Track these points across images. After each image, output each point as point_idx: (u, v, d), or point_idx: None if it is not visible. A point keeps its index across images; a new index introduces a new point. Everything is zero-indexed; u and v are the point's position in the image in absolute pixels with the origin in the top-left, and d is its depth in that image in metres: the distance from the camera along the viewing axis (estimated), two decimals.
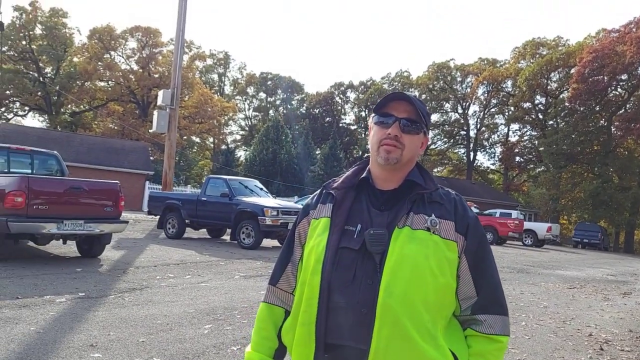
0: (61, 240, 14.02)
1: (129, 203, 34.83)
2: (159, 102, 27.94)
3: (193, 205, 21.58)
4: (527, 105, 79.27)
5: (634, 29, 57.53)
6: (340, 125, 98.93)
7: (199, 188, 24.94)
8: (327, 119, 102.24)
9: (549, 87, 74.96)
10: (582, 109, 63.11)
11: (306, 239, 2.47)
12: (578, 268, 24.35)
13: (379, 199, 2.38)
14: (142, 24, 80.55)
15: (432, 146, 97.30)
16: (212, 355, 6.81)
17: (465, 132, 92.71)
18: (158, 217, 22.88)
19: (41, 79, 76.21)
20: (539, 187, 71.97)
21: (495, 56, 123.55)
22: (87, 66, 74.00)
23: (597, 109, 62.97)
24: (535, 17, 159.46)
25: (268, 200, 21.16)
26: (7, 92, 73.68)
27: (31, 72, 75.93)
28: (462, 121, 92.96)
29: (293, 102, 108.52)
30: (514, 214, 42.94)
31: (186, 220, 21.78)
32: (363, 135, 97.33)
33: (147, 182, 46.99)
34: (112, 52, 79.33)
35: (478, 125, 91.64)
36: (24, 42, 74.90)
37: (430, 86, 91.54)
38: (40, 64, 77.25)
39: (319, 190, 2.60)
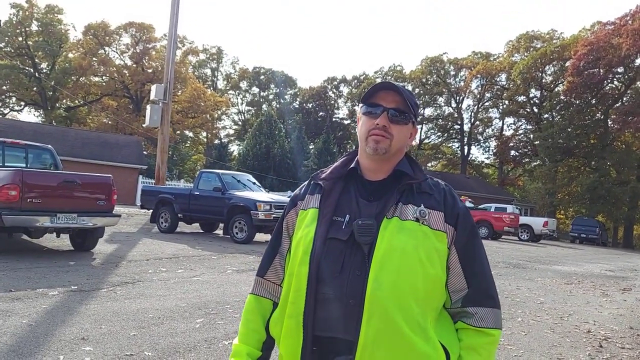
0: (54, 233, 14.04)
1: (122, 197, 34.92)
2: (152, 96, 27.88)
3: (186, 200, 21.56)
4: (521, 98, 79.34)
5: (629, 22, 57.47)
6: (334, 119, 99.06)
7: (192, 182, 24.87)
8: (321, 113, 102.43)
9: (543, 81, 74.93)
10: (577, 102, 63.22)
11: (294, 230, 2.45)
12: (576, 263, 24.34)
13: (368, 189, 2.36)
14: (136, 19, 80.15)
15: (426, 140, 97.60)
16: (204, 349, 6.79)
17: (459, 126, 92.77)
18: (151, 211, 22.84)
19: (37, 74, 76.51)
20: (534, 181, 72.12)
21: (489, 50, 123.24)
22: (81, 62, 74.20)
23: (593, 102, 63.07)
24: (529, 10, 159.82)
25: (261, 195, 21.11)
26: (4, 87, 74.52)
27: (27, 68, 76.15)
28: (455, 115, 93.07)
29: (286, 97, 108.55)
30: (510, 208, 42.93)
31: (179, 215, 21.77)
32: (356, 130, 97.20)
33: (141, 177, 46.91)
34: (107, 48, 79.43)
35: (472, 119, 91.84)
36: (20, 39, 75.41)
37: (424, 80, 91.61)
38: (36, 60, 77.58)
39: (307, 181, 2.58)
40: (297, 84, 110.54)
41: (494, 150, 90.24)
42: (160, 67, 71.80)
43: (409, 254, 2.14)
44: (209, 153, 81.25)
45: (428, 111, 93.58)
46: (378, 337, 2.08)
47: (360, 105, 2.42)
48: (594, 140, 63.77)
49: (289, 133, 73.11)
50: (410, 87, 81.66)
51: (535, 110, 78.07)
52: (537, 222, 44.75)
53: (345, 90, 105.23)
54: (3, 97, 77.94)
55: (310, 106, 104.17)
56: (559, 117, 67.53)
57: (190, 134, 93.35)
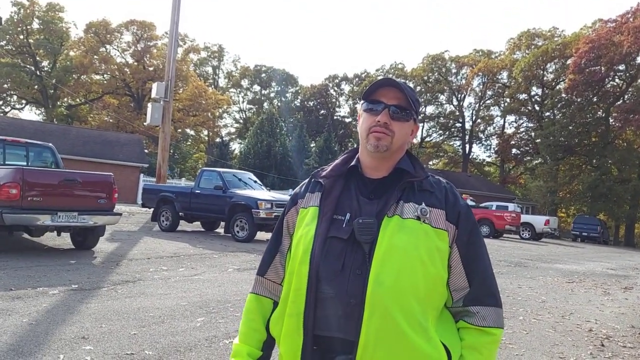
0: (55, 232, 13.99)
1: (123, 196, 34.96)
2: (153, 94, 27.89)
3: (187, 198, 21.55)
4: (523, 96, 79.17)
5: (631, 19, 57.41)
6: (335, 117, 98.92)
7: (194, 181, 24.87)
8: (322, 111, 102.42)
9: (545, 78, 74.81)
10: (579, 100, 63.11)
11: (294, 229, 2.43)
12: (577, 262, 24.30)
13: (368, 187, 2.34)
14: (137, 17, 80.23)
15: (427, 138, 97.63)
16: (204, 348, 6.78)
17: (460, 124, 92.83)
18: (152, 209, 22.83)
19: (38, 72, 76.80)
20: (536, 179, 72.00)
21: (490, 47, 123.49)
22: (83, 60, 74.21)
23: (595, 100, 62.94)
24: (530, 7, 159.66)
25: (262, 193, 21.12)
26: (5, 85, 74.67)
27: (28, 66, 76.49)
28: (457, 113, 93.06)
29: (287, 95, 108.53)
30: (511, 206, 42.81)
31: (180, 213, 21.74)
32: (357, 128, 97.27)
33: (142, 175, 46.96)
34: (108, 46, 79.45)
35: (473, 117, 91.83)
36: (21, 37, 75.58)
37: (425, 78, 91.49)
38: (37, 58, 77.77)
39: (307, 179, 2.55)
40: (299, 82, 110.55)
41: (496, 149, 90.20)
42: (162, 65, 71.86)
43: (410, 252, 2.13)
44: (210, 151, 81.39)
45: (429, 109, 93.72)
46: (379, 336, 2.06)
47: (361, 102, 2.40)
48: (595, 138, 63.74)
49: (290, 131, 73.12)
50: (411, 85, 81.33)
51: (537, 108, 78.00)
52: (538, 221, 44.71)
53: (346, 88, 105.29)
54: (4, 95, 78.12)
55: (311, 104, 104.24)
56: (560, 115, 67.47)
57: (192, 132, 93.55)
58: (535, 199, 69.94)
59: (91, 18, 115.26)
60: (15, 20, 74.01)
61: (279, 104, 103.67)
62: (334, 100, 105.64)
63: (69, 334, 6.88)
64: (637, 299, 14.22)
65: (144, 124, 39.33)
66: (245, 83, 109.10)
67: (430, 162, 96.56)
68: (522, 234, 43.40)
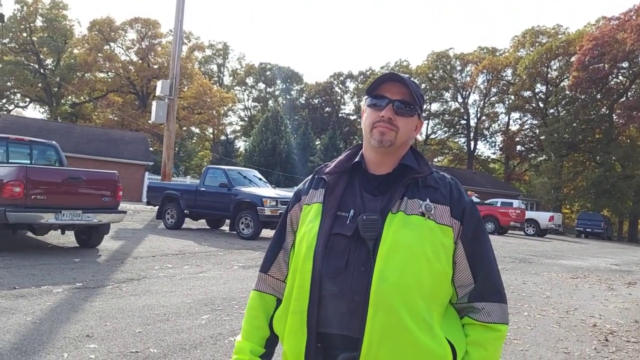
0: (59, 230, 13.99)
1: (128, 193, 34.96)
2: (158, 92, 27.91)
3: (192, 196, 21.56)
4: (527, 93, 79.23)
5: (634, 17, 57.40)
6: (340, 115, 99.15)
7: (199, 178, 24.89)
8: (327, 109, 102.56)
9: (549, 76, 74.84)
10: (583, 97, 63.10)
11: (298, 226, 2.41)
12: (581, 257, 24.30)
13: (372, 183, 2.32)
14: (141, 15, 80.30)
15: (432, 136, 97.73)
16: (209, 345, 6.77)
17: (465, 122, 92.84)
18: (157, 207, 22.83)
19: (42, 70, 76.95)
20: (540, 176, 71.86)
21: (495, 45, 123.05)
22: (87, 57, 74.22)
23: (599, 97, 63.02)
24: (534, 5, 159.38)
25: (267, 191, 21.13)
26: (8, 83, 74.64)
27: (32, 64, 76.59)
28: (462, 110, 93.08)
29: (292, 93, 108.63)
30: (516, 203, 42.77)
31: (185, 211, 21.74)
32: (361, 124, 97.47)
33: (147, 173, 47.05)
34: (112, 44, 79.53)
35: (478, 115, 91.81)
36: (24, 34, 75.60)
37: (430, 75, 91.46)
38: (41, 56, 77.93)
39: (310, 176, 2.54)
40: (303, 79, 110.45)
41: (500, 146, 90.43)
42: (166, 63, 71.95)
43: (414, 249, 2.11)
44: (215, 149, 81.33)
45: (434, 106, 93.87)
46: (383, 333, 2.05)
47: (365, 97, 2.38)
48: (599, 135, 63.87)
49: (295, 129, 73.28)
50: (416, 82, 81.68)
51: (541, 105, 77.93)
52: (543, 217, 44.73)
53: (351, 85, 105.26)
54: (8, 93, 78.15)
55: (316, 102, 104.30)
56: (564, 112, 67.44)
57: (197, 130, 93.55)
58: (540, 196, 69.89)
59: (95, 16, 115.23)
60: (19, 17, 73.99)
61: (284, 101, 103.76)
62: (338, 97, 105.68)
63: (73, 332, 6.87)
64: None
65: (149, 121, 39.28)
66: (250, 81, 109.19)
67: (435, 159, 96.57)
68: (527, 230, 43.39)
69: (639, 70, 59.39)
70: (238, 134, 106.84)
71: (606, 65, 59.37)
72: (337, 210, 2.26)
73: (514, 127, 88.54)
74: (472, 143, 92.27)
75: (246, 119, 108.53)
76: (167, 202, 22.20)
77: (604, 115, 63.54)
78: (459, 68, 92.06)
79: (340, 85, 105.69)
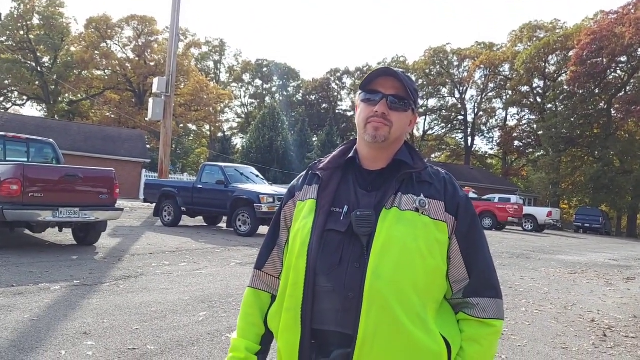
0: (57, 228, 14.01)
1: (125, 191, 35.00)
2: (154, 89, 27.93)
3: (189, 193, 21.57)
4: (525, 88, 79.23)
5: (632, 11, 57.39)
6: (337, 111, 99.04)
7: (196, 176, 24.90)
8: (324, 105, 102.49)
9: (547, 71, 74.86)
10: (581, 91, 63.12)
11: (292, 222, 2.41)
12: (579, 253, 24.33)
13: (366, 179, 2.31)
14: (137, 12, 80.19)
15: (430, 131, 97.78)
16: (207, 342, 6.77)
17: (462, 117, 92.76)
18: (154, 204, 22.84)
19: (39, 68, 76.90)
20: (538, 171, 71.94)
21: (492, 40, 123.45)
22: (84, 55, 74.39)
23: (597, 91, 63.01)
24: (531, 0, 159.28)
25: (264, 187, 21.11)
26: (6, 81, 74.71)
27: (29, 62, 76.60)
28: (459, 106, 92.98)
29: (289, 89, 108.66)
30: (513, 198, 42.89)
31: (182, 208, 21.77)
32: (355, 119, 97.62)
33: (144, 170, 47.08)
34: (109, 41, 79.57)
35: (476, 110, 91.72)
36: (22, 32, 75.45)
37: (427, 71, 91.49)
38: (38, 54, 77.76)
39: (304, 172, 2.53)
40: (300, 76, 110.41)
41: (498, 141, 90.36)
42: (163, 60, 71.82)
43: (408, 244, 2.10)
44: (213, 146, 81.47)
45: (432, 102, 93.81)
46: (377, 329, 2.04)
47: (359, 92, 2.37)
48: (597, 129, 63.92)
49: (292, 125, 73.21)
50: (413, 78, 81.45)
51: (539, 100, 77.98)
52: (540, 212, 44.84)
53: (348, 82, 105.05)
54: (5, 91, 78.20)
55: (313, 98, 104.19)
56: (562, 107, 67.56)
57: (194, 127, 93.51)
58: (538, 191, 69.97)
59: (92, 13, 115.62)
60: (16, 15, 73.89)
61: (281, 98, 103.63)
62: (335, 94, 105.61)
63: (71, 329, 6.87)
64: (639, 290, 14.21)
65: (146, 119, 39.35)
66: (246, 77, 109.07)
67: (433, 155, 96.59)
68: (525, 226, 43.54)
69: (638, 65, 59.43)
70: (235, 131, 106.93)
71: (604, 60, 59.34)
72: (331, 207, 2.25)
73: (511, 123, 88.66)
74: (470, 139, 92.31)
75: (243, 115, 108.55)
76: (164, 199, 22.22)
77: (602, 110, 63.49)
78: (456, 63, 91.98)
79: (337, 82, 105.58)
